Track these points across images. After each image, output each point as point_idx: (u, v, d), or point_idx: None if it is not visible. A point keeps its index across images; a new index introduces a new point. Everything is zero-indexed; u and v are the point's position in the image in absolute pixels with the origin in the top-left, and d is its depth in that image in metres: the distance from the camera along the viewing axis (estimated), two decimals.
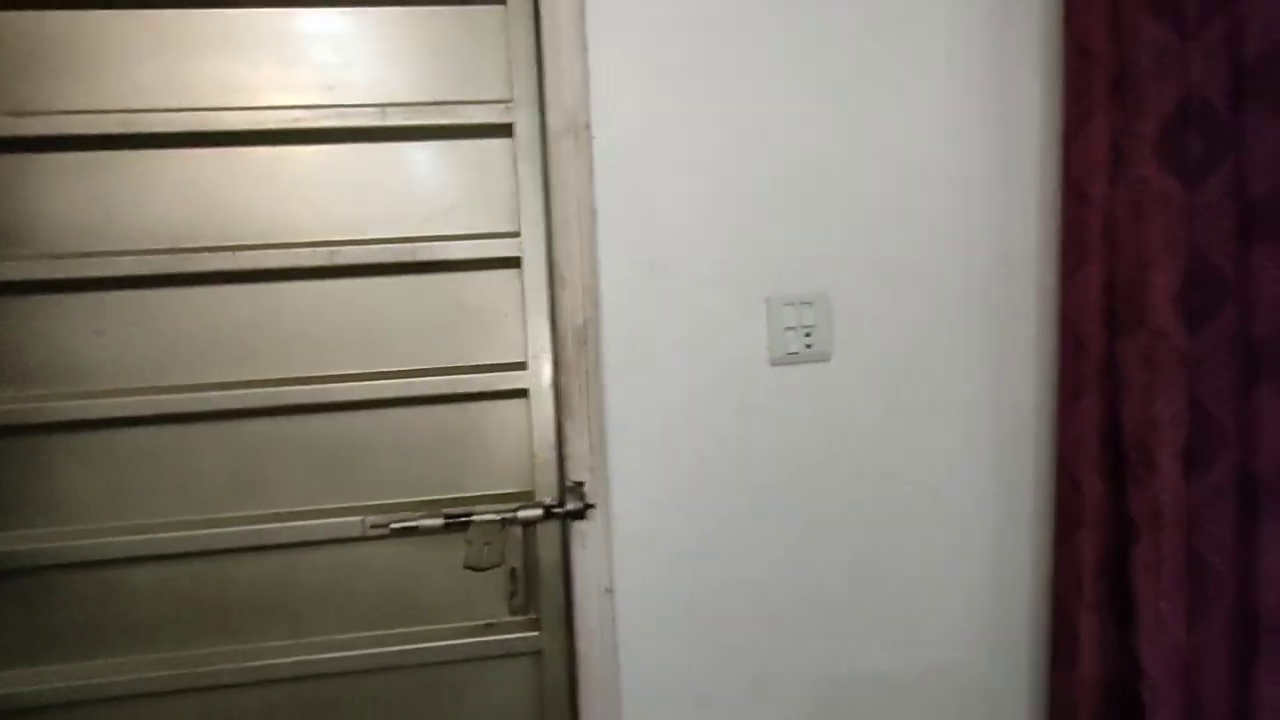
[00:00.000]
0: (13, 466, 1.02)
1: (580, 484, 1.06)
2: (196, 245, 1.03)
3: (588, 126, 1.03)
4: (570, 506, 1.04)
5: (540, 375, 1.07)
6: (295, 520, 1.05)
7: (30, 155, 1.00)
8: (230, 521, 1.05)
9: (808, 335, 1.08)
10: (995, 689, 1.18)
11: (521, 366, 1.07)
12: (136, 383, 1.03)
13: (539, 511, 1.04)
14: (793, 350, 1.08)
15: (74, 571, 1.03)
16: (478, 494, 1.08)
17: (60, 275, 1.00)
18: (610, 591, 1.07)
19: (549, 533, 1.08)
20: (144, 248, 1.02)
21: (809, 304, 1.08)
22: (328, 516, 1.06)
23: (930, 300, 1.11)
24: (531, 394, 1.07)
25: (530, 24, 1.03)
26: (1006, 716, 1.19)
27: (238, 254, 1.02)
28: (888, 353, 1.11)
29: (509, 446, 1.09)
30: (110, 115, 1.00)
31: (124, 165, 1.01)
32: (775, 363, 1.08)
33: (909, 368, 1.12)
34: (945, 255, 1.11)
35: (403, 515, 1.04)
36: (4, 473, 1.02)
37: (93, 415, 1.01)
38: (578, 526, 1.06)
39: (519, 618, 1.09)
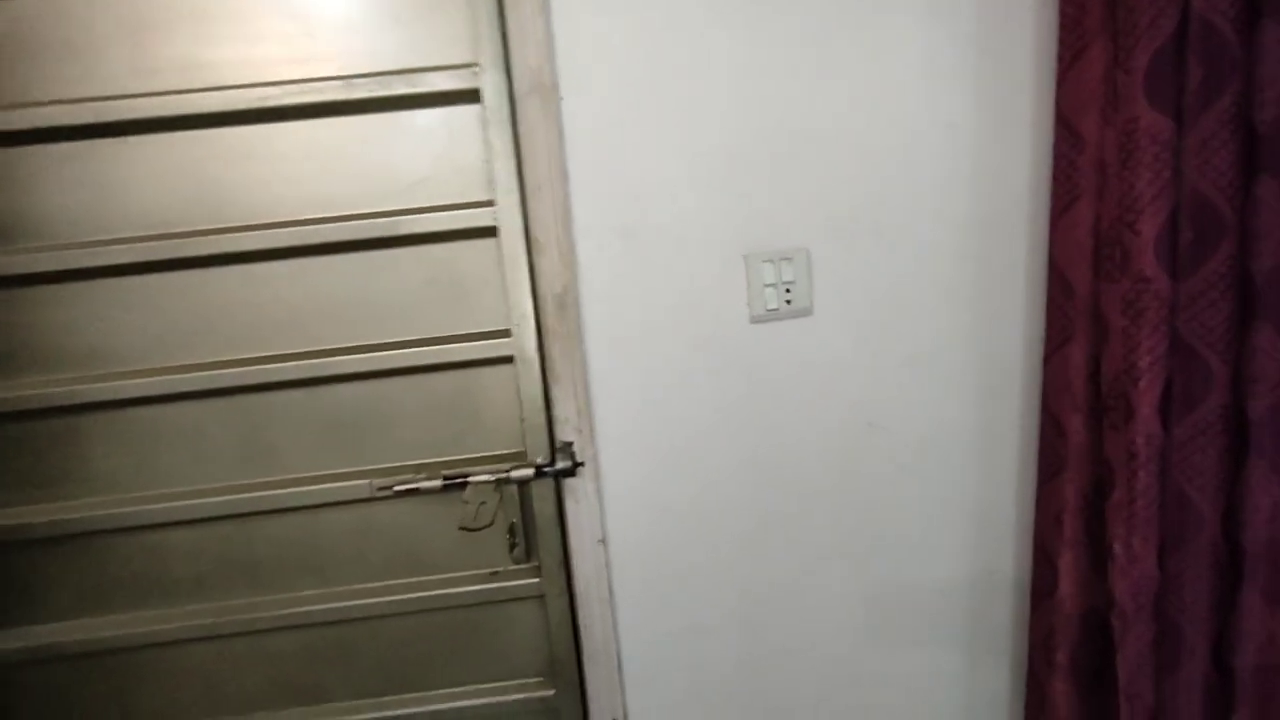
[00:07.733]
0: (48, 445, 1.10)
1: (569, 444, 1.10)
2: (184, 230, 1.05)
3: (555, 87, 1.00)
4: (560, 465, 1.09)
5: (525, 342, 1.09)
6: (308, 485, 1.13)
7: (15, 149, 1.02)
8: (248, 488, 1.13)
9: (788, 291, 1.07)
10: (978, 627, 1.24)
11: (506, 334, 1.10)
12: (146, 364, 1.09)
13: (530, 471, 1.10)
14: (773, 307, 1.08)
15: (115, 536, 1.13)
16: (474, 455, 1.14)
17: (55, 267, 1.04)
18: (603, 541, 1.14)
19: (543, 489, 1.14)
20: (134, 234, 1.05)
21: (788, 259, 1.07)
22: (337, 480, 1.13)
23: (914, 249, 1.09)
24: (518, 360, 1.10)
25: None
26: (990, 648, 1.25)
27: (222, 237, 1.05)
28: (870, 304, 1.10)
29: (500, 410, 1.13)
30: (85, 104, 1.01)
31: (105, 153, 1.03)
32: (756, 320, 1.09)
33: (892, 319, 1.11)
34: (930, 202, 1.07)
35: (405, 478, 1.10)
36: (43, 451, 1.10)
37: (108, 397, 1.08)
38: (569, 483, 1.11)
39: (521, 566, 1.17)
